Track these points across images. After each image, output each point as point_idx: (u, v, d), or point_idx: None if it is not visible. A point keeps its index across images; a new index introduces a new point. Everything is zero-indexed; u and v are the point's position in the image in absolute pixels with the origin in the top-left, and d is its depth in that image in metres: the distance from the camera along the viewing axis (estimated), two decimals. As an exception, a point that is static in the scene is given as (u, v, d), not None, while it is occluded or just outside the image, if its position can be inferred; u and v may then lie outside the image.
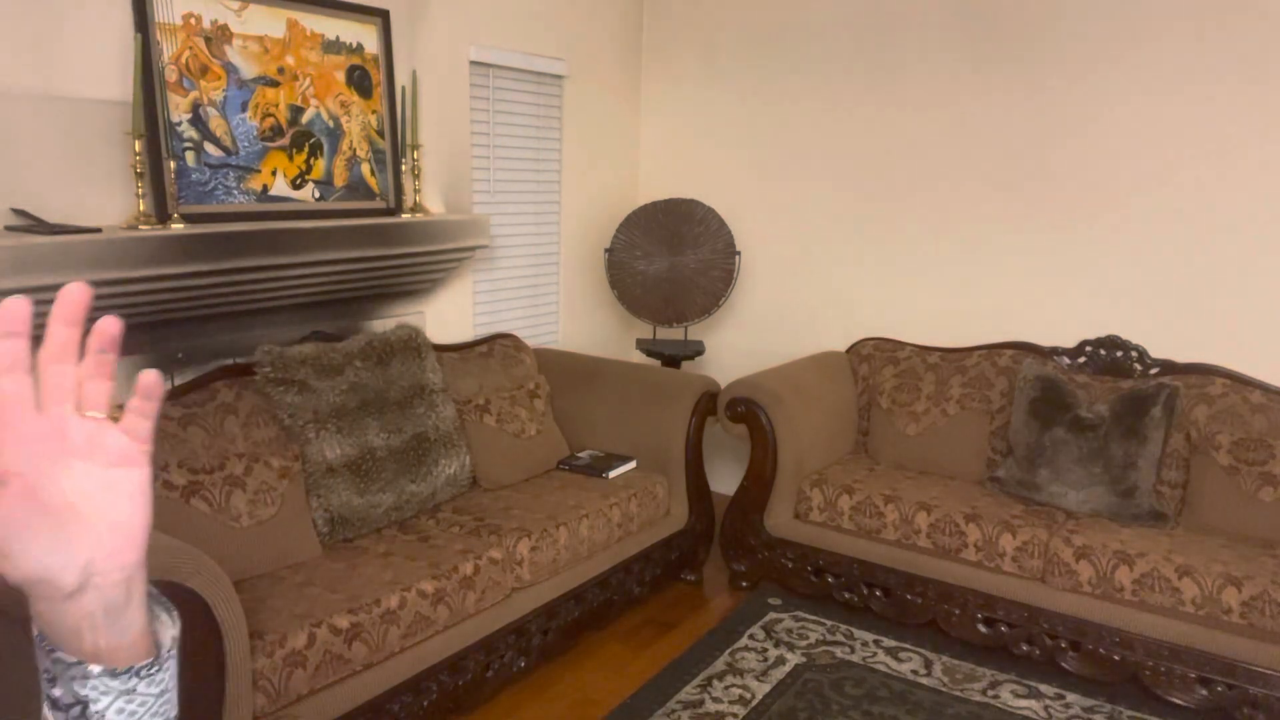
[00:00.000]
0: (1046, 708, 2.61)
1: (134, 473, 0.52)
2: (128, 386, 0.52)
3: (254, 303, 2.69)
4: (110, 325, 0.51)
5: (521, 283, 3.86)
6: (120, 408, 0.52)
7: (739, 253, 3.93)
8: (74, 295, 0.50)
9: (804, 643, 2.94)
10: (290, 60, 2.74)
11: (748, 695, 2.64)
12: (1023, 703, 2.63)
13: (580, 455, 3.27)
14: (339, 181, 2.91)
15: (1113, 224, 3.31)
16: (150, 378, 0.52)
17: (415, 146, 3.07)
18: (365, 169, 2.99)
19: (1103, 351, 3.27)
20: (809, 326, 3.98)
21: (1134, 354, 3.21)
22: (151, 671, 0.55)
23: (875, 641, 2.96)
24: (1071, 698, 2.66)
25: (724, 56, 4.09)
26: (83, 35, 2.32)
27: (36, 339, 0.48)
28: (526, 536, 2.62)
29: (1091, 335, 3.33)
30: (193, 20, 2.49)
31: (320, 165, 2.85)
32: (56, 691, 0.53)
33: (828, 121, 3.86)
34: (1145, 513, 2.84)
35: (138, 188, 2.36)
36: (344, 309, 3.02)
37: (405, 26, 3.10)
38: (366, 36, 2.96)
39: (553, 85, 3.85)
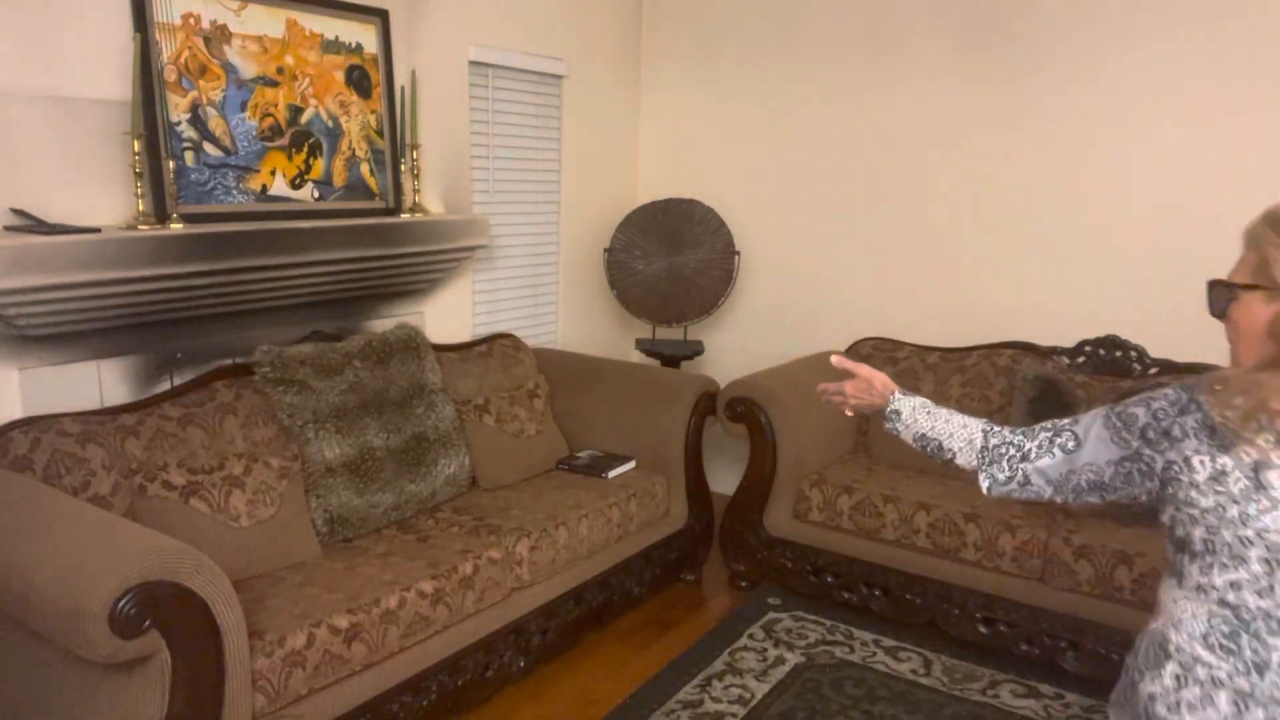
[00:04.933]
0: (1046, 708, 2.61)
1: None
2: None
3: (253, 303, 2.69)
4: None
5: (521, 283, 3.86)
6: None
7: (738, 253, 3.93)
8: None
9: (803, 642, 2.94)
10: (289, 60, 2.74)
11: (747, 695, 2.64)
12: (1022, 702, 2.63)
13: (580, 455, 3.27)
14: (338, 181, 2.91)
15: (1112, 224, 3.31)
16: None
17: (414, 146, 3.07)
18: (364, 169, 2.99)
19: (1102, 351, 3.27)
20: (809, 326, 3.98)
21: (1133, 354, 3.21)
22: None
23: (875, 641, 2.96)
24: (1071, 697, 2.66)
25: (724, 56, 4.09)
26: (82, 35, 2.32)
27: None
28: (526, 536, 2.62)
29: (1091, 335, 3.32)
30: (192, 20, 2.49)
31: (319, 165, 2.85)
32: None
33: (827, 121, 3.86)
34: (1145, 512, 2.83)
35: (137, 188, 2.36)
36: (343, 309, 3.02)
37: (404, 26, 3.10)
38: (366, 36, 2.96)
39: (552, 85, 3.85)
